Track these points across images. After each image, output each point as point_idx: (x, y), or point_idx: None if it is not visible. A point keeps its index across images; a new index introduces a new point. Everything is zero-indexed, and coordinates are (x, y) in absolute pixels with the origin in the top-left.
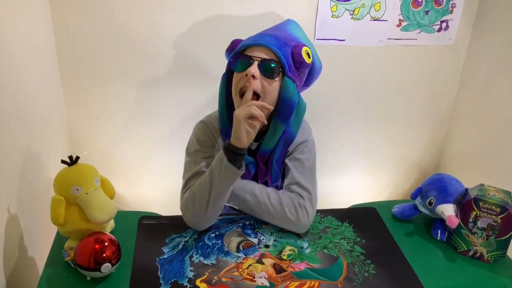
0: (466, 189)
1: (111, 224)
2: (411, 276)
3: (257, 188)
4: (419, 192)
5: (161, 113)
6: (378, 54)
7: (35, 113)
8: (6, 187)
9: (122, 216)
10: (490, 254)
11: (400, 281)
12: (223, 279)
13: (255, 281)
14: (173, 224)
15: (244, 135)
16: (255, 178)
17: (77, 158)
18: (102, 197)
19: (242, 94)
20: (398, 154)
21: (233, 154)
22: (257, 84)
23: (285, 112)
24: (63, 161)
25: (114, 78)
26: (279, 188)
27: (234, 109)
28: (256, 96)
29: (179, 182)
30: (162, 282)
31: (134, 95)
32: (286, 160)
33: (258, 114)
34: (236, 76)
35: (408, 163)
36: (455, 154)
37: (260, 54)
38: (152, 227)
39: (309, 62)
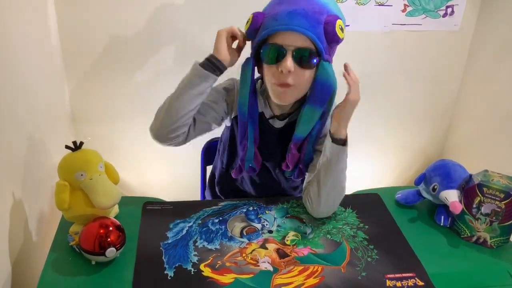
0: (470, 175)
1: (115, 209)
2: (414, 262)
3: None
4: (423, 178)
5: (162, 99)
6: (383, 40)
7: (39, 99)
8: (11, 173)
9: (126, 202)
10: (494, 240)
11: (403, 267)
12: (227, 264)
13: (258, 265)
14: (177, 210)
15: (223, 46)
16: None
17: (81, 143)
18: (106, 182)
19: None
20: (402, 141)
21: (208, 61)
22: (292, 78)
23: (324, 96)
24: (67, 147)
25: (117, 63)
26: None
27: (256, 96)
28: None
29: (183, 168)
30: (167, 266)
31: (137, 80)
32: (318, 145)
33: (240, 33)
34: (267, 68)
35: (412, 150)
36: (460, 140)
37: (293, 41)
38: (156, 212)
39: (343, 37)
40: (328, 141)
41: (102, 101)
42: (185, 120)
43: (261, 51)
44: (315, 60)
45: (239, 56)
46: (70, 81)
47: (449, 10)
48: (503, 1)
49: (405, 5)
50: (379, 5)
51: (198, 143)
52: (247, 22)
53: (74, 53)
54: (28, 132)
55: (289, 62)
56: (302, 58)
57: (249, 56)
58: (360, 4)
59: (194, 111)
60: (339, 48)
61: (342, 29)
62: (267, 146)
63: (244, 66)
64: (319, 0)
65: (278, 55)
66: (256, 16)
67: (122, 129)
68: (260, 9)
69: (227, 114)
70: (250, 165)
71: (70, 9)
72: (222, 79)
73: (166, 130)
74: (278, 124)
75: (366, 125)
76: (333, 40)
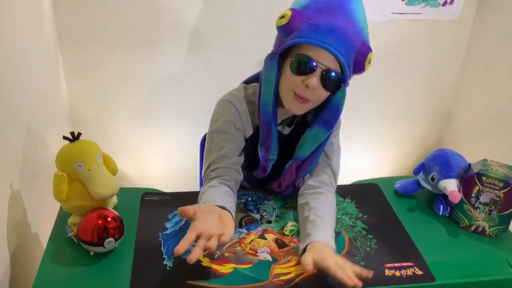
0: (469, 164)
1: (114, 200)
2: (413, 251)
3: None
4: (422, 168)
5: (162, 89)
6: (382, 29)
7: (35, 90)
8: (8, 164)
9: (124, 193)
10: (492, 229)
11: (402, 256)
12: (226, 254)
13: (257, 255)
14: (175, 201)
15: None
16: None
17: (79, 134)
18: (104, 173)
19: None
20: (401, 130)
21: None
22: (313, 94)
23: (333, 120)
24: (65, 137)
25: (115, 55)
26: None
27: (278, 99)
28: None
29: (181, 159)
30: (165, 256)
31: (135, 72)
32: None
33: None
34: (291, 77)
35: (411, 140)
36: (459, 130)
37: (326, 60)
38: (155, 203)
39: (366, 70)
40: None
41: (100, 91)
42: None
43: (292, 58)
44: (337, 83)
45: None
46: (67, 72)
47: None
48: None
49: None
50: None
51: (197, 135)
52: (284, 17)
53: (71, 43)
54: (25, 123)
55: (315, 80)
56: (329, 79)
57: (272, 50)
58: None
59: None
60: None
61: (369, 62)
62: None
63: (269, 63)
64: (358, 22)
65: (308, 69)
66: (294, 16)
67: (120, 119)
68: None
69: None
70: (274, 161)
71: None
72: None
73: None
74: (287, 130)
75: (365, 115)
76: (359, 70)
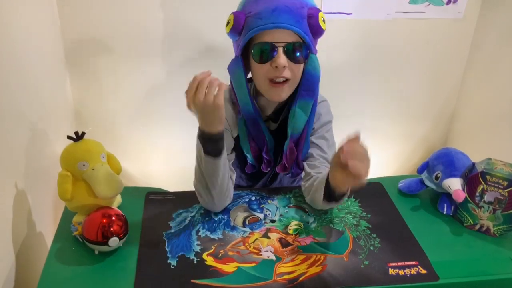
0: (473, 163)
1: (118, 199)
2: (417, 250)
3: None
4: (426, 167)
5: (166, 88)
6: (386, 28)
7: (40, 89)
8: (13, 164)
9: (128, 192)
10: (497, 228)
11: (406, 255)
12: (230, 253)
13: (261, 254)
14: (179, 200)
15: (214, 120)
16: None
17: (83, 133)
18: (108, 172)
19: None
20: (405, 129)
21: (209, 141)
22: (287, 72)
23: (314, 87)
24: (69, 137)
25: (119, 53)
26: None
27: (258, 95)
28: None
29: (185, 158)
30: (170, 255)
31: (139, 71)
32: (312, 138)
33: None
34: (259, 67)
35: (415, 139)
36: (463, 129)
37: (281, 37)
38: (159, 202)
39: (325, 28)
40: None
41: (104, 91)
42: (226, 178)
43: (252, 51)
44: (304, 53)
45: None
46: (72, 71)
47: None
48: None
49: None
50: None
51: None
52: (228, 23)
53: (76, 43)
54: (30, 122)
55: (282, 58)
56: (294, 52)
57: (233, 56)
58: None
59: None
60: (343, 36)
61: (324, 21)
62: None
63: (234, 67)
64: None
65: (270, 53)
66: (237, 17)
67: (124, 118)
68: None
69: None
70: (267, 158)
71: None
72: None
73: (224, 201)
74: (273, 126)
75: (369, 114)
76: (317, 32)
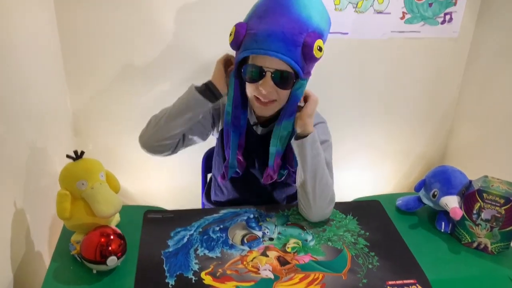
0: (470, 181)
1: (117, 218)
2: (415, 268)
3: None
4: (423, 184)
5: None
6: (382, 47)
7: (40, 108)
8: (12, 182)
9: (127, 211)
10: (494, 246)
11: (404, 273)
12: (228, 272)
13: (259, 273)
14: (178, 218)
15: (220, 74)
16: (262, 161)
17: (82, 153)
18: (107, 191)
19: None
20: (402, 147)
21: (206, 87)
22: (271, 94)
23: (294, 108)
24: (68, 156)
25: (119, 72)
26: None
27: (242, 108)
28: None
29: (183, 176)
30: (168, 275)
31: (138, 90)
32: None
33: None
34: (249, 85)
35: (412, 157)
36: (460, 147)
37: (271, 64)
38: (157, 221)
39: (320, 56)
40: (294, 142)
41: (104, 110)
42: (174, 138)
43: (242, 70)
44: (291, 81)
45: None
46: (72, 90)
47: (448, 17)
48: (501, 7)
49: (403, 12)
50: (378, 12)
51: (199, 151)
52: (230, 34)
53: (76, 62)
54: (30, 141)
55: (267, 84)
56: (280, 80)
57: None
58: (359, 12)
59: (185, 131)
60: (339, 55)
61: (320, 49)
62: (251, 152)
63: (230, 80)
64: (301, 15)
65: (257, 76)
66: (238, 31)
67: (124, 138)
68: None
69: (213, 128)
70: (234, 170)
71: (71, 17)
72: None
73: (155, 144)
74: (261, 131)
75: (366, 132)
76: (310, 60)
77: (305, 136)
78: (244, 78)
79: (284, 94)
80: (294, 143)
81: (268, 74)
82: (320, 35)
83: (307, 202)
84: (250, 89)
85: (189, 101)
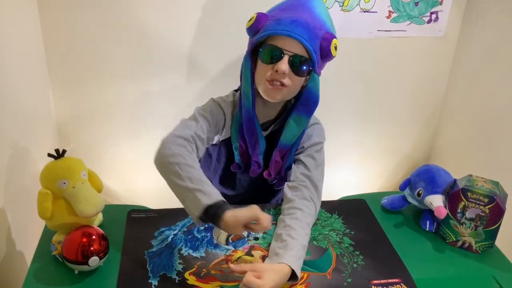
0: (455, 180)
1: (99, 217)
2: (400, 267)
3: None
4: (408, 184)
5: (150, 107)
6: (368, 46)
7: (23, 108)
8: None
9: (110, 210)
10: (479, 245)
11: (389, 272)
12: (212, 272)
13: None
14: (162, 218)
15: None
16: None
17: (64, 151)
18: (89, 190)
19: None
20: (388, 147)
21: (209, 217)
22: (286, 79)
23: (311, 106)
24: (49, 155)
25: (102, 71)
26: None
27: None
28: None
29: None
30: (151, 275)
31: (122, 88)
32: (300, 156)
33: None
34: (263, 66)
35: (398, 156)
36: (446, 146)
37: (291, 46)
38: (141, 220)
39: (335, 55)
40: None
41: (87, 108)
42: None
43: (260, 49)
44: (307, 68)
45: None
46: (55, 88)
47: (434, 16)
48: (486, 7)
49: (389, 11)
50: (364, 11)
51: None
52: (250, 19)
53: (59, 59)
54: (11, 139)
55: (284, 65)
56: (297, 64)
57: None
58: (345, 11)
59: None
60: None
61: (336, 48)
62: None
63: (244, 62)
64: (319, 16)
65: (276, 56)
66: (260, 17)
67: (107, 136)
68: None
69: (215, 134)
70: (256, 160)
71: (54, 15)
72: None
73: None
74: (263, 134)
75: (352, 131)
76: (326, 56)
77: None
78: (261, 58)
79: (297, 82)
80: None
81: (286, 57)
82: (335, 37)
83: None
84: (263, 71)
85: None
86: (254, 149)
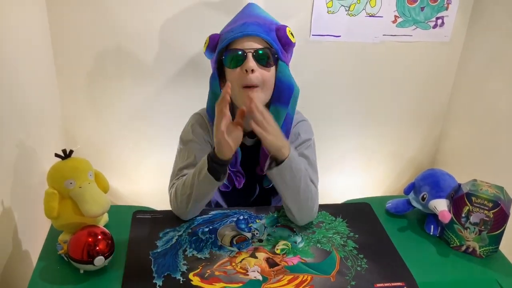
0: (459, 184)
1: (105, 218)
2: (404, 271)
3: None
4: (412, 187)
5: (155, 108)
6: (374, 51)
7: (30, 107)
8: (0, 181)
9: (116, 211)
10: (483, 249)
11: (393, 276)
12: (216, 273)
13: (248, 274)
14: (167, 219)
15: (227, 150)
16: (254, 172)
17: (71, 151)
18: (95, 190)
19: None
20: (393, 151)
21: (216, 164)
22: (256, 77)
23: (285, 95)
24: (56, 155)
25: (109, 73)
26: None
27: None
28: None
29: None
30: (155, 275)
31: (128, 91)
32: None
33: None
34: (231, 73)
35: (403, 160)
36: (451, 150)
37: (250, 44)
38: (146, 221)
39: (294, 41)
40: (269, 172)
41: (94, 109)
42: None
43: (223, 57)
44: (272, 57)
45: (239, 143)
46: (62, 88)
47: (439, 21)
48: (493, 12)
49: (395, 16)
50: (370, 16)
51: None
52: (205, 43)
53: (67, 60)
54: (18, 139)
55: (251, 62)
56: (261, 56)
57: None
58: (351, 15)
59: None
60: (331, 58)
61: (292, 35)
62: (242, 164)
63: (210, 81)
64: (266, 17)
65: (240, 57)
66: (212, 37)
67: (113, 137)
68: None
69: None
70: (236, 170)
71: (62, 16)
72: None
73: (193, 215)
74: (249, 142)
75: (357, 135)
76: (286, 43)
77: (281, 160)
78: (226, 65)
79: (268, 76)
80: (269, 173)
81: (250, 55)
82: (287, 27)
83: (291, 215)
84: (234, 78)
85: (209, 187)
86: (234, 163)
